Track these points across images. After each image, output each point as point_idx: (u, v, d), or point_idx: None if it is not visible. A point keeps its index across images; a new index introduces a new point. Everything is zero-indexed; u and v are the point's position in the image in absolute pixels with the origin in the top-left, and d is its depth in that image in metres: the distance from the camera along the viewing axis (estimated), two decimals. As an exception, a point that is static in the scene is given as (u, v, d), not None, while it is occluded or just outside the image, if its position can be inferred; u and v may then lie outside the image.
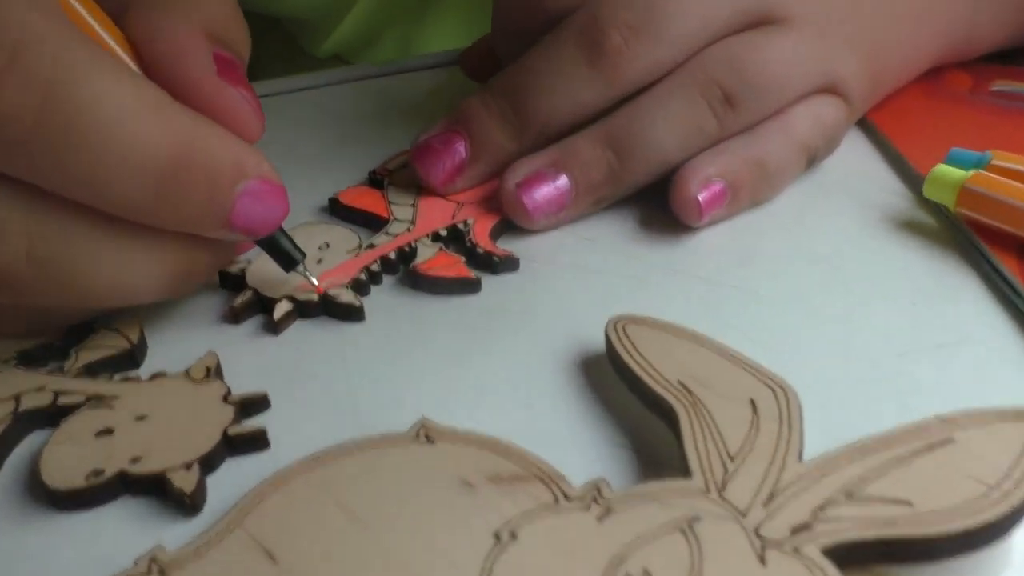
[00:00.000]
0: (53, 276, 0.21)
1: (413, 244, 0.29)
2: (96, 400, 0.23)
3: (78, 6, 0.22)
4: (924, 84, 0.37)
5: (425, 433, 0.21)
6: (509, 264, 0.29)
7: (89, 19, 0.22)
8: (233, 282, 0.27)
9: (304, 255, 0.26)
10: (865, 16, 0.33)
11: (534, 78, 0.30)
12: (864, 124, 0.36)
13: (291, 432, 0.23)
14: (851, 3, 0.32)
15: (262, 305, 0.27)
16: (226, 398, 0.23)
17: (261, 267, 0.27)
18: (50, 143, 0.19)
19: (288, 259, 0.26)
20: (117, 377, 0.24)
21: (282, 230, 0.25)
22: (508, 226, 0.30)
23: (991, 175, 0.28)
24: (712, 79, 0.29)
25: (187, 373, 0.23)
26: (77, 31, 0.20)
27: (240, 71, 0.23)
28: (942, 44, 0.36)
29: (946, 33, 0.36)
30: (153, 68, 0.22)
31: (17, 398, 0.23)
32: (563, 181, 0.29)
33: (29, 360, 0.24)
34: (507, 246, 0.29)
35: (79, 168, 0.20)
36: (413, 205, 0.31)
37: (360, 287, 0.27)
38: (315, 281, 0.27)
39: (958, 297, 0.27)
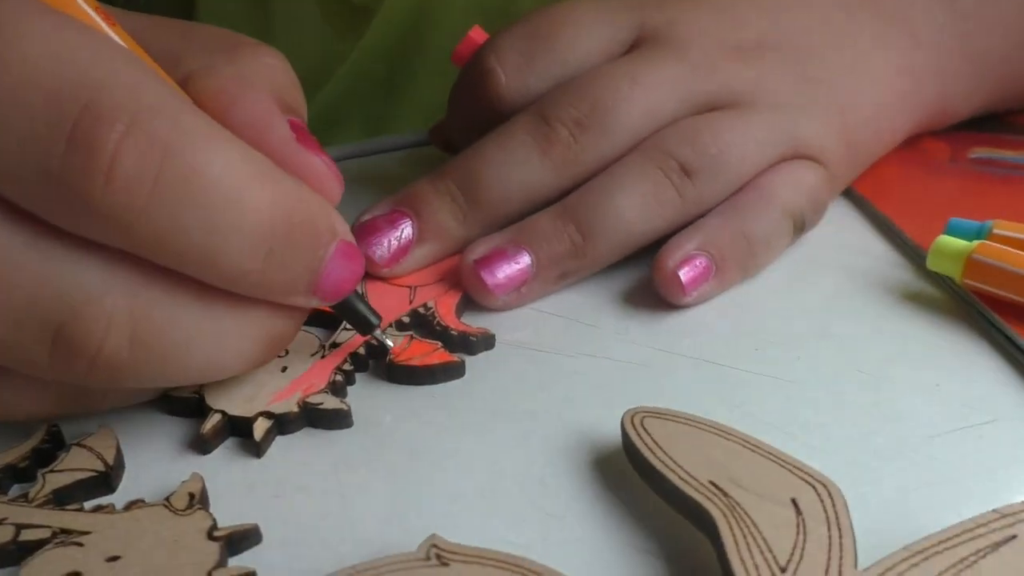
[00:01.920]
0: (153, 359, 0.20)
1: (380, 336, 0.27)
2: (64, 535, 0.20)
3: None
4: (903, 153, 0.37)
5: (436, 553, 0.19)
6: (486, 342, 0.27)
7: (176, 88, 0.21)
8: (185, 407, 0.25)
9: (380, 317, 0.25)
10: (831, 90, 0.33)
11: (486, 163, 0.30)
12: (852, 195, 0.35)
13: (284, 559, 0.21)
14: (813, 85, 0.32)
15: (233, 427, 0.24)
16: (211, 533, 0.20)
17: (220, 385, 0.24)
18: (169, 208, 0.19)
19: (365, 322, 0.25)
20: (89, 506, 0.21)
21: (357, 292, 0.24)
22: (468, 304, 0.29)
23: (997, 245, 0.27)
24: (666, 152, 0.29)
25: (168, 501, 0.21)
26: (185, 97, 0.20)
27: (313, 138, 0.23)
28: (918, 115, 0.36)
29: (921, 105, 0.36)
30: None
31: (-26, 534, 0.20)
32: (524, 257, 0.29)
33: (-9, 484, 0.22)
34: (471, 323, 0.28)
35: (195, 234, 0.19)
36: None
37: (338, 390, 0.25)
38: (391, 344, 0.26)
39: (979, 373, 0.26)
